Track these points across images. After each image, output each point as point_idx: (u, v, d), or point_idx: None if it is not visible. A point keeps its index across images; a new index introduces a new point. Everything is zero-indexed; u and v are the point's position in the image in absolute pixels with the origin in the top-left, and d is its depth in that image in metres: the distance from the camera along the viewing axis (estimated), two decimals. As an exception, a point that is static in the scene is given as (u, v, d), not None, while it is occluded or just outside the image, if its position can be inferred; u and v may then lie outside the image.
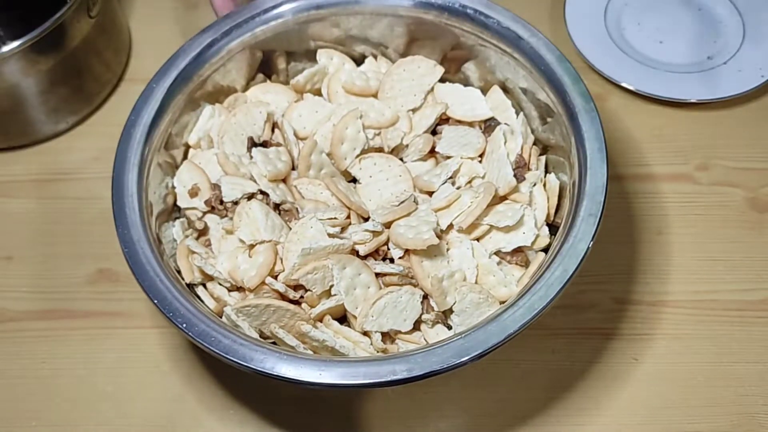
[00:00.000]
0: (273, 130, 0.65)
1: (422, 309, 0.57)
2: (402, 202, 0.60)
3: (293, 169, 0.63)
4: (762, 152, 0.73)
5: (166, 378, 0.64)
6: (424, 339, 0.57)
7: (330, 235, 0.58)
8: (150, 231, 0.57)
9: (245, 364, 0.51)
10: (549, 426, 0.61)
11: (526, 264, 0.59)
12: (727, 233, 0.69)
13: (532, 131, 0.64)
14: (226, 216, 0.62)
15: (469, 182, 0.61)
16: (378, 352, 0.56)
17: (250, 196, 0.61)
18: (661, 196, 0.70)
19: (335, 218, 0.59)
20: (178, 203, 0.63)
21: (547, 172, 0.63)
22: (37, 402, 0.64)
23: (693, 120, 0.74)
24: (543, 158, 0.63)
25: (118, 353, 0.65)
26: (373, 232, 0.58)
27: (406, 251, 0.58)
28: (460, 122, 0.65)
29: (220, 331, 0.52)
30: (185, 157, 0.65)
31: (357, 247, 0.58)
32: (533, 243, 0.58)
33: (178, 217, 0.63)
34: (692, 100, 0.73)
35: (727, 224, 0.69)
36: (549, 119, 0.61)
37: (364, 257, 0.58)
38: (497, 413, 0.62)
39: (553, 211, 0.60)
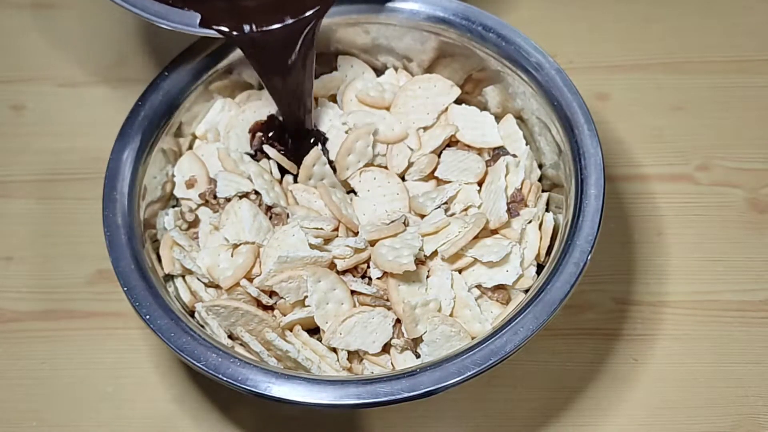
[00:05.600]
0: None
1: (393, 333, 0.57)
2: (392, 222, 0.59)
3: (294, 174, 0.63)
4: (762, 152, 0.73)
5: (166, 378, 0.64)
6: (392, 363, 0.57)
7: (311, 246, 0.57)
8: (137, 219, 0.57)
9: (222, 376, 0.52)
10: (549, 427, 0.61)
11: (508, 302, 0.58)
12: (727, 234, 0.69)
13: (541, 167, 0.63)
14: (218, 211, 0.62)
15: (465, 210, 0.60)
16: (343, 370, 0.56)
17: (243, 195, 0.61)
18: (661, 197, 0.70)
19: (321, 228, 0.58)
20: (175, 192, 0.63)
21: (548, 210, 0.61)
22: (37, 402, 0.64)
23: (693, 120, 0.74)
24: (545, 196, 0.62)
25: (118, 354, 0.65)
26: (355, 248, 0.58)
27: (385, 272, 0.57)
28: (469, 147, 0.64)
29: (191, 332, 0.53)
30: (191, 147, 0.66)
31: (336, 261, 0.58)
32: (515, 283, 0.57)
33: (175, 206, 0.63)
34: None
35: (728, 225, 0.69)
36: (557, 156, 0.60)
37: (343, 272, 0.58)
38: (497, 414, 0.62)
39: (544, 252, 0.59)
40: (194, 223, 0.62)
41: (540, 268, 0.59)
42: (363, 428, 0.62)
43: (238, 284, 0.57)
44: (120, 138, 0.60)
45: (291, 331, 0.57)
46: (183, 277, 0.60)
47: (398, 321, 0.57)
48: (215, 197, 0.61)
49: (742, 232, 0.69)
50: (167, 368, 0.64)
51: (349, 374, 0.56)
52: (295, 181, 0.64)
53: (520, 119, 0.64)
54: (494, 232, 0.59)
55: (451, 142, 0.65)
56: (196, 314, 0.58)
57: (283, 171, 0.64)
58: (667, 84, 0.76)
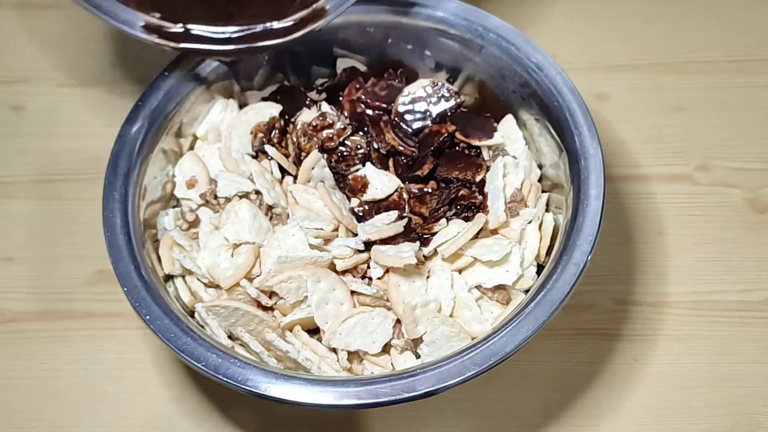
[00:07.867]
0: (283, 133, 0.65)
1: (393, 334, 0.56)
2: (392, 222, 0.60)
3: (294, 176, 0.63)
4: (762, 152, 0.73)
5: (166, 379, 0.64)
6: (392, 364, 0.57)
7: (311, 246, 0.57)
8: (137, 219, 0.57)
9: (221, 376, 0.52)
10: (548, 427, 0.62)
11: (508, 302, 0.58)
12: (726, 234, 0.69)
13: (541, 167, 0.63)
14: (218, 212, 0.62)
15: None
16: (343, 370, 0.56)
17: (244, 195, 0.61)
18: (661, 197, 0.70)
19: (321, 229, 0.58)
20: (175, 193, 0.63)
21: (548, 210, 0.61)
22: (37, 403, 0.64)
23: (693, 120, 0.74)
24: (545, 196, 0.61)
25: (118, 354, 0.65)
26: (354, 249, 0.58)
27: (386, 272, 0.57)
28: (469, 144, 0.64)
29: (190, 334, 0.53)
30: (192, 147, 0.66)
31: (336, 261, 0.58)
32: (515, 283, 0.57)
33: (175, 206, 0.63)
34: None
35: (727, 225, 0.69)
36: (557, 157, 0.60)
37: (342, 273, 0.58)
38: (497, 414, 0.62)
39: (544, 252, 0.59)
40: (194, 223, 0.62)
41: (540, 268, 0.59)
42: (363, 428, 0.62)
43: (238, 284, 0.57)
44: (120, 138, 0.60)
45: (291, 331, 0.57)
46: (183, 277, 0.60)
47: (398, 321, 0.57)
48: (216, 197, 0.62)
49: (742, 232, 0.69)
50: (167, 368, 0.64)
51: (349, 375, 0.56)
52: (295, 182, 0.64)
53: (518, 119, 0.64)
54: (494, 232, 0.59)
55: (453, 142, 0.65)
56: (196, 314, 0.58)
57: (283, 172, 0.64)
58: (667, 84, 0.76)
